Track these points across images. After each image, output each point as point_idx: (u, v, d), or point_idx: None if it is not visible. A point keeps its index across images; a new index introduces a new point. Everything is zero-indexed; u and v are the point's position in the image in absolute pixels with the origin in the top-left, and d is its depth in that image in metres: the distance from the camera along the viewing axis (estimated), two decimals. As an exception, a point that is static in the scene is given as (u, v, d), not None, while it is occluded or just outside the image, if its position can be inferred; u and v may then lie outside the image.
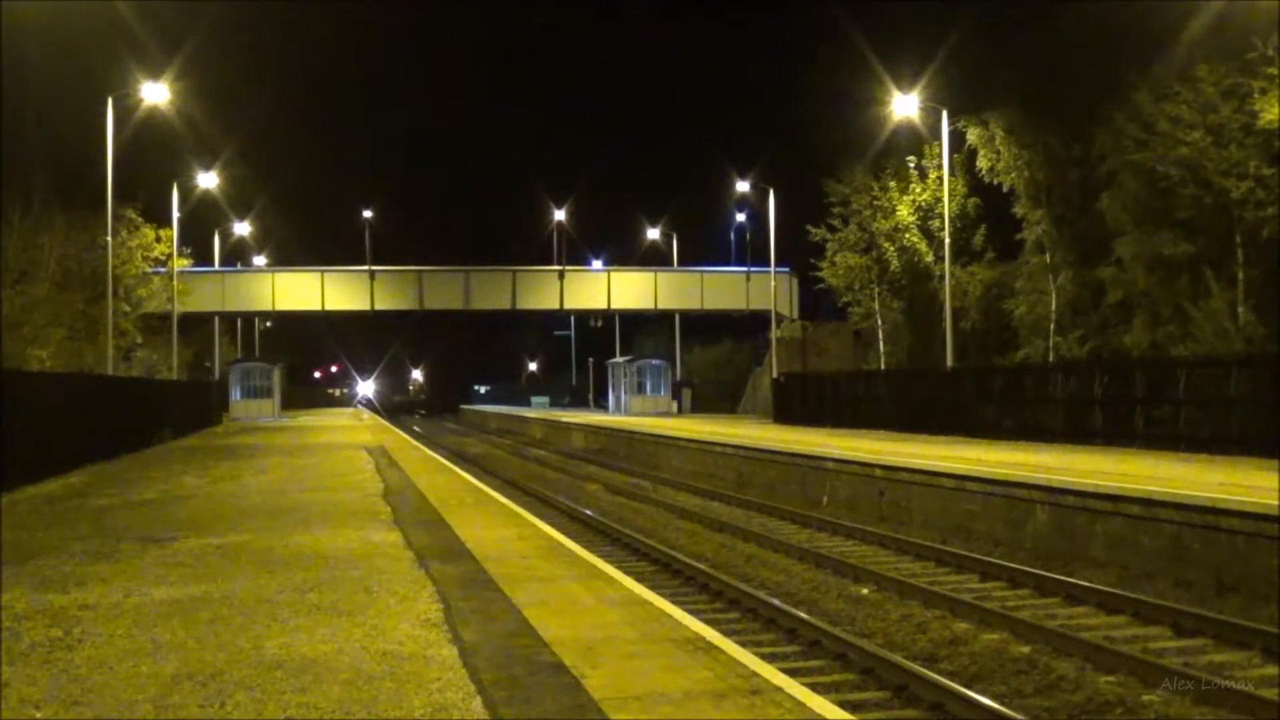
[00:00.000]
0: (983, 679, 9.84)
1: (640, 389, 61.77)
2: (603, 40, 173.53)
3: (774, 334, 53.43)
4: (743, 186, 56.91)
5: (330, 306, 61.38)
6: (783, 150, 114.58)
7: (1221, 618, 11.42)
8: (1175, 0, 30.37)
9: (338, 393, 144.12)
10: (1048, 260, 36.87)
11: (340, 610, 8.53)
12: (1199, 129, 28.51)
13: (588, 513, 22.05)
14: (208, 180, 51.79)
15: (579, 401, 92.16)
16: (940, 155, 38.30)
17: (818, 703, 6.23)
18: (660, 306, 62.86)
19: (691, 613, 9.27)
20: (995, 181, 38.24)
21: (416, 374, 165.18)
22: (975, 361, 39.03)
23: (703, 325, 71.17)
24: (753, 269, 59.54)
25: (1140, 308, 31.92)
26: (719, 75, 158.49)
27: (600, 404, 77.69)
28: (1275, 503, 12.64)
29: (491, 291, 61.52)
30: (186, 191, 49.55)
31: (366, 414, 79.07)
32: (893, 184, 44.15)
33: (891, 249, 44.31)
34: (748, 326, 65.57)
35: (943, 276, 37.63)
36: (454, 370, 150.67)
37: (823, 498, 23.11)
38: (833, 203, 46.03)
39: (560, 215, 64.05)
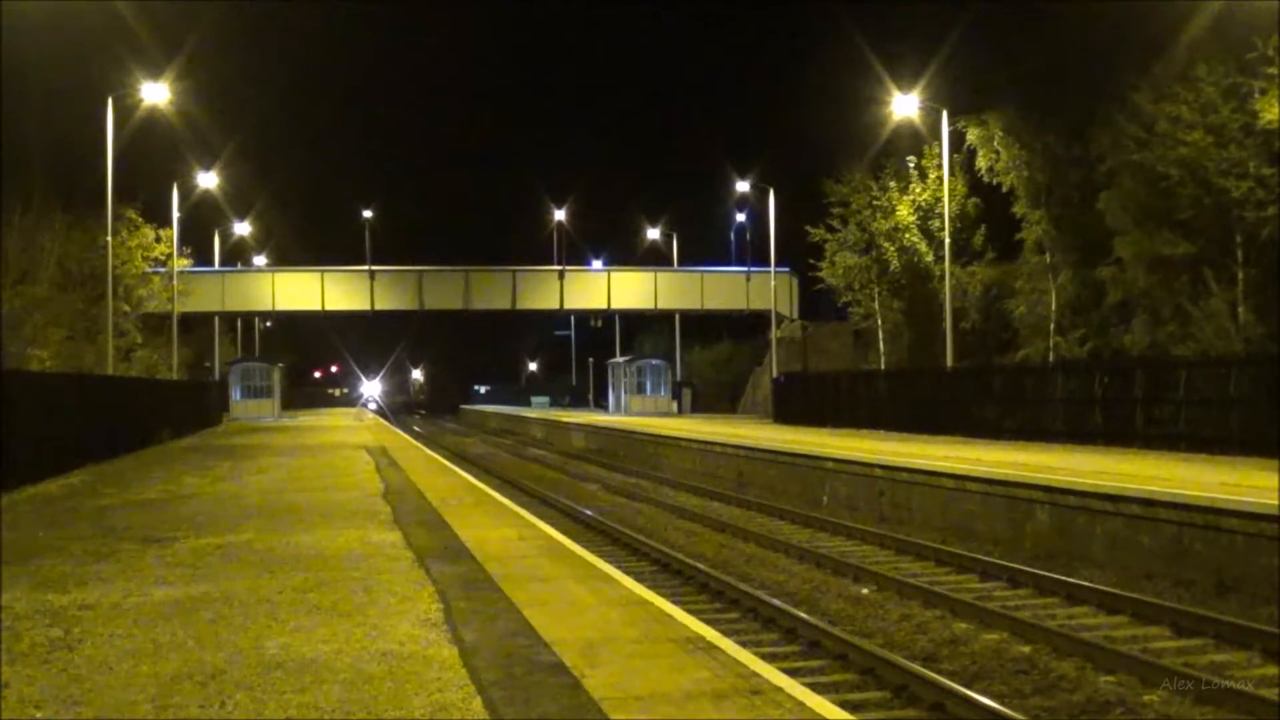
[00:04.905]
0: (983, 679, 9.84)
1: (640, 389, 61.79)
2: (603, 40, 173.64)
3: (774, 334, 53.44)
4: (743, 186, 56.98)
5: (330, 306, 61.34)
6: (783, 150, 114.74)
7: (1221, 618, 11.42)
8: (1175, 0, 30.37)
9: (338, 393, 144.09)
10: (1048, 260, 36.88)
11: (340, 610, 8.53)
12: (1199, 129, 28.50)
13: (588, 513, 22.05)
14: (208, 180, 51.81)
15: (579, 401, 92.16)
16: (940, 155, 38.31)
17: (818, 703, 6.23)
18: (660, 306, 62.83)
19: (692, 613, 9.27)
20: (995, 181, 38.24)
21: (416, 374, 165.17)
22: (975, 361, 39.03)
23: (703, 325, 71.14)
24: (753, 269, 59.55)
25: (1140, 308, 31.93)
26: (719, 75, 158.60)
27: (600, 404, 77.69)
28: (1275, 503, 12.64)
29: (491, 291, 61.50)
30: (186, 191, 49.59)
31: (369, 415, 79.04)
32: (892, 184, 44.15)
33: (891, 249, 44.31)
34: (748, 326, 65.57)
35: (943, 276, 37.62)
36: (454, 370, 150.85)
37: (823, 498, 23.11)
38: (832, 203, 46.03)
39: (560, 215, 64.08)
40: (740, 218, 62.88)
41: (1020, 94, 36.96)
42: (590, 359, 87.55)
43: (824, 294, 49.87)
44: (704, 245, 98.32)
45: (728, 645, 7.50)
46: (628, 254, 71.92)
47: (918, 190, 43.51)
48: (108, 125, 34.23)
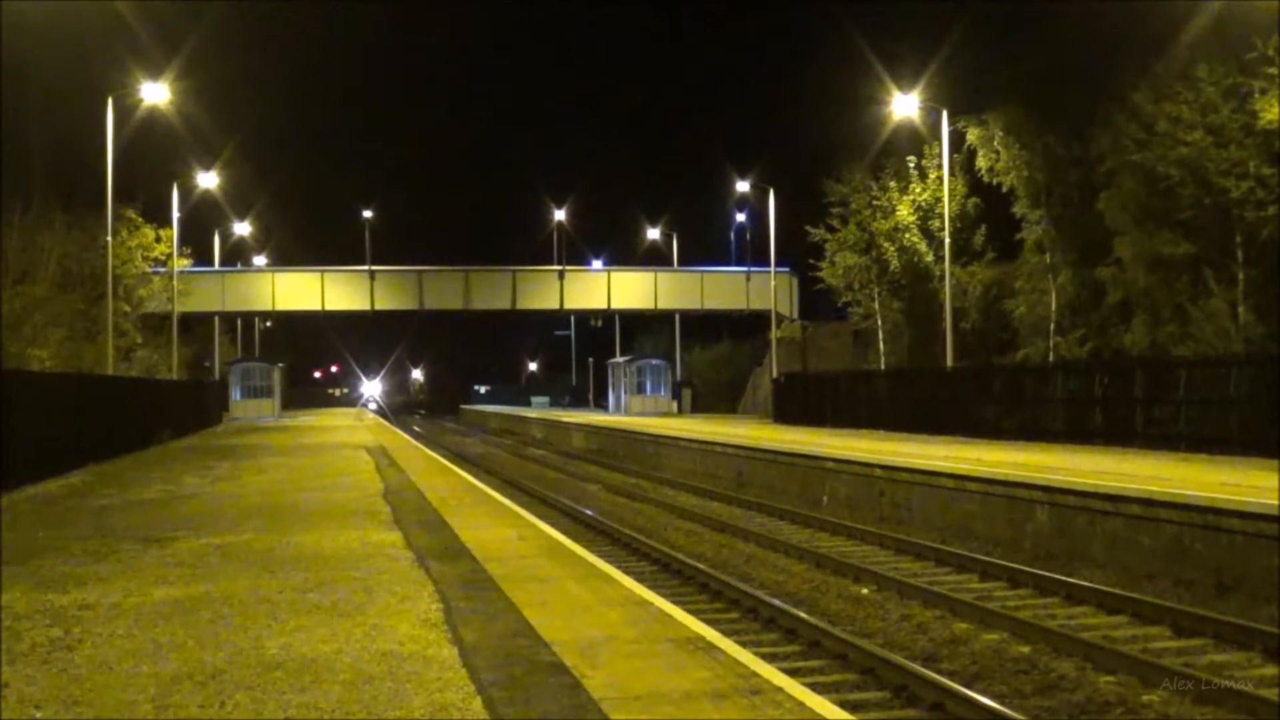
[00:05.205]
0: (983, 679, 9.84)
1: (640, 389, 61.78)
2: (603, 40, 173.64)
3: (774, 334, 53.42)
4: (743, 186, 56.97)
5: (330, 306, 61.34)
6: (783, 150, 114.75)
7: (1221, 618, 11.42)
8: (1175, 0, 30.37)
9: (338, 393, 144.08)
10: (1048, 260, 36.87)
11: (340, 610, 8.53)
12: (1199, 129, 28.50)
13: (588, 513, 22.05)
14: (208, 180, 51.79)
15: (579, 401, 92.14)
16: (940, 155, 38.31)
17: (818, 703, 6.23)
18: (660, 306, 62.83)
19: (691, 612, 9.27)
20: (995, 181, 38.23)
21: (416, 374, 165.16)
22: (975, 361, 39.02)
23: (703, 325, 71.13)
24: (753, 269, 59.55)
25: (1140, 308, 31.92)
26: (719, 74, 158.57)
27: (600, 404, 77.68)
28: (1275, 502, 12.64)
29: (491, 291, 61.50)
30: (186, 191, 49.58)
31: (369, 415, 79.06)
32: (892, 184, 44.14)
33: (891, 249, 44.30)
34: (748, 326, 65.57)
35: (943, 276, 37.62)
36: (454, 370, 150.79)
37: (823, 498, 23.11)
38: (832, 203, 46.02)
39: (560, 215, 64.07)
40: (740, 218, 62.95)
41: (1020, 94, 36.95)
42: (590, 359, 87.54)
43: (824, 294, 49.84)
44: (704, 245, 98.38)
45: (728, 645, 7.50)
46: (628, 254, 72.03)
47: (918, 190, 43.49)
48: (108, 125, 34.24)
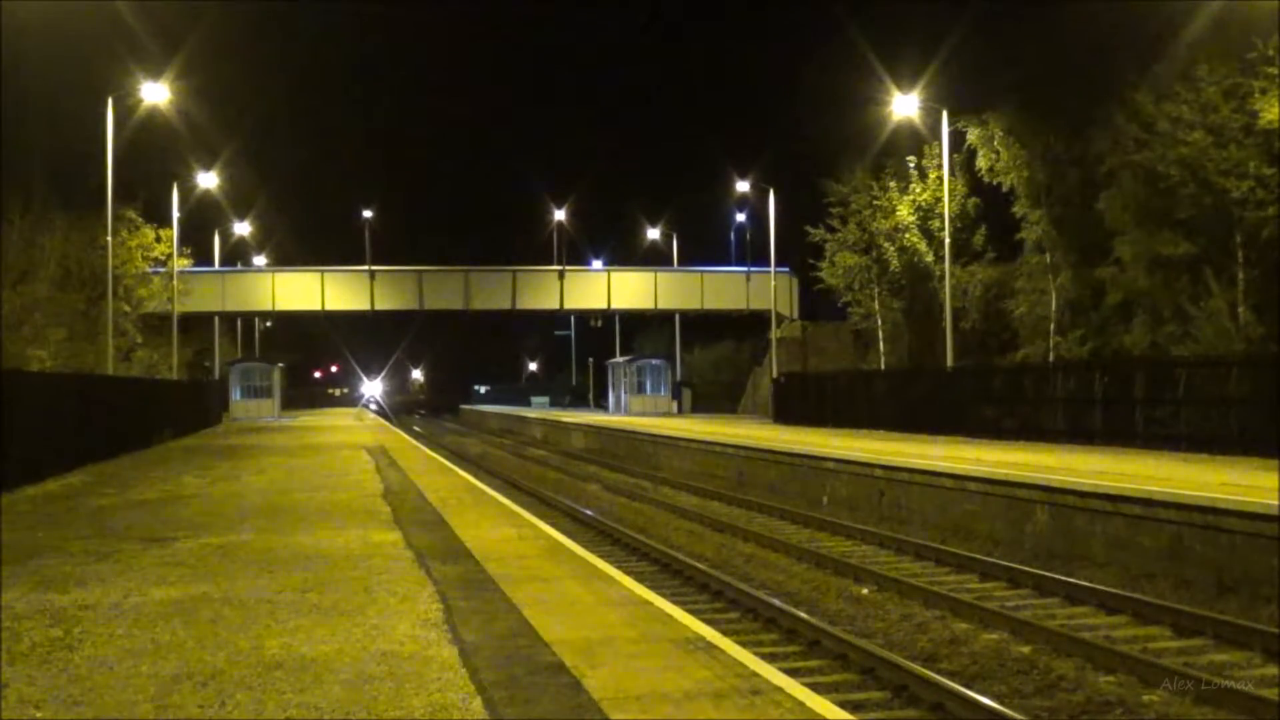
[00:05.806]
0: (983, 679, 9.84)
1: (640, 389, 61.79)
2: (603, 39, 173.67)
3: (774, 334, 53.42)
4: (743, 186, 56.97)
5: (330, 306, 61.33)
6: (783, 150, 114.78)
7: (1221, 618, 11.42)
8: (1175, 0, 30.39)
9: (338, 393, 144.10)
10: (1048, 260, 36.88)
11: (340, 610, 8.53)
12: (1199, 129, 28.51)
13: (588, 513, 22.05)
14: (208, 180, 51.78)
15: (579, 401, 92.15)
16: (940, 155, 38.32)
17: (818, 703, 6.23)
18: (660, 306, 62.82)
19: (691, 613, 9.27)
20: (995, 181, 38.24)
21: (416, 373, 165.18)
22: (975, 361, 39.02)
23: (703, 325, 71.14)
24: (753, 269, 59.55)
25: (1140, 308, 31.92)
26: (719, 75, 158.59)
27: (600, 404, 77.68)
28: (1275, 502, 12.64)
29: (491, 291, 61.48)
30: (186, 191, 49.58)
31: (369, 415, 79.06)
32: (892, 184, 44.16)
33: (891, 249, 44.32)
34: (748, 326, 65.56)
35: (943, 276, 37.62)
36: (454, 370, 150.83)
37: (823, 498, 23.11)
38: (832, 203, 46.05)
39: (560, 215, 64.09)
40: (740, 218, 62.95)
41: (1020, 94, 36.98)
42: (590, 359, 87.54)
43: (824, 294, 49.86)
44: (704, 245, 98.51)
45: (728, 645, 7.50)
46: (628, 254, 72.04)
47: (918, 190, 43.51)
48: (107, 125, 34.24)
